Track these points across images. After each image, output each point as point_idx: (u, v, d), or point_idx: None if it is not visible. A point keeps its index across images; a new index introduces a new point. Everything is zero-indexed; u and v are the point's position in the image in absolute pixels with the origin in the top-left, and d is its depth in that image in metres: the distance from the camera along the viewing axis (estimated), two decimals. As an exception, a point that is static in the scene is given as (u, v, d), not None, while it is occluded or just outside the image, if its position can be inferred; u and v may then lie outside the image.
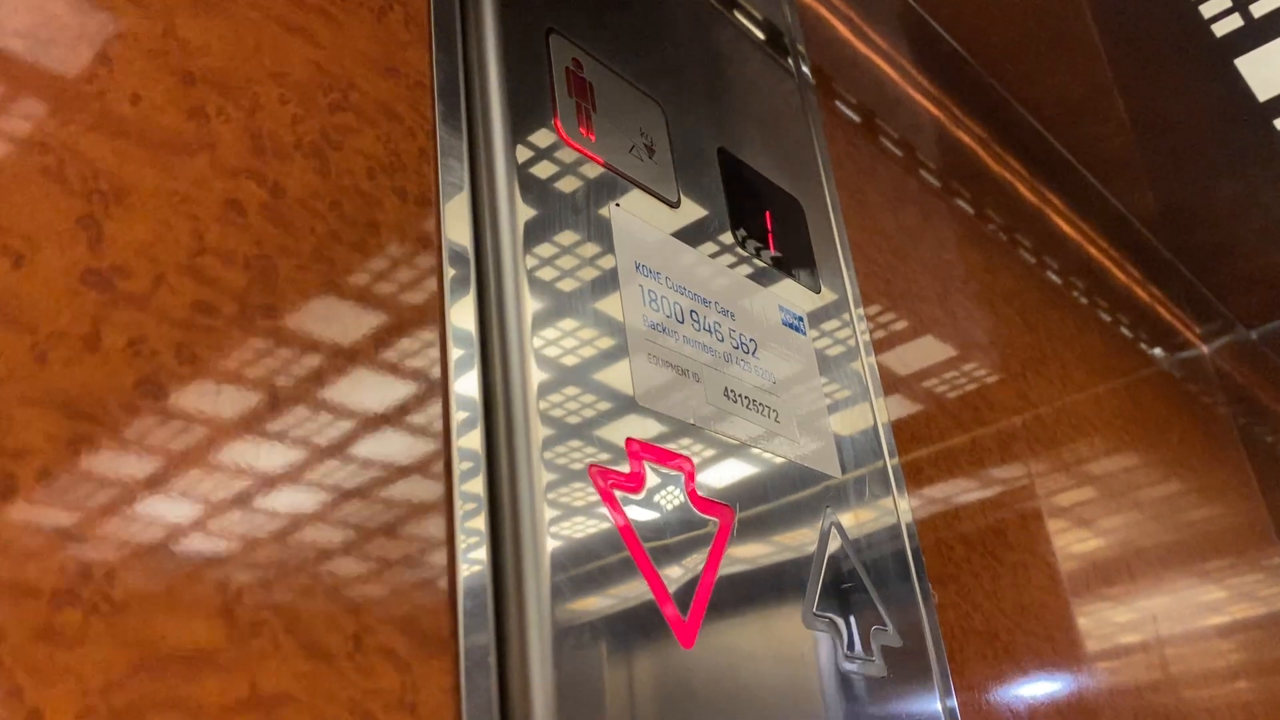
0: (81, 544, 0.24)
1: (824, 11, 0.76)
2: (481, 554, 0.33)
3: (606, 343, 0.40)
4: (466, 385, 0.36)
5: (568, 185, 0.42)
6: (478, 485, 0.34)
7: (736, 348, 0.47)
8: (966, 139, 0.92)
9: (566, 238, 0.41)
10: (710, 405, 0.43)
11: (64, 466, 0.25)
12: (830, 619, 0.44)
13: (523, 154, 0.41)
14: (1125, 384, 1.05)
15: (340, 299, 0.33)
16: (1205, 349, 1.38)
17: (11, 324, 0.25)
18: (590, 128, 0.45)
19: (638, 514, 0.38)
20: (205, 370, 0.28)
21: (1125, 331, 1.13)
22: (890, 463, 0.54)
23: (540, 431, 0.36)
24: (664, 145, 0.49)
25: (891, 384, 0.62)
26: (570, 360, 0.39)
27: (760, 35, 0.64)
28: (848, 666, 0.43)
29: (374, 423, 0.32)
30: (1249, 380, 1.50)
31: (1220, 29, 0.81)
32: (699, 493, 0.41)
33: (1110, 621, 0.77)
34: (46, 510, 0.24)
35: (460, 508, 0.33)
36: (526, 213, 0.40)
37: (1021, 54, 0.87)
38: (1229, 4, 0.78)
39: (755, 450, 0.45)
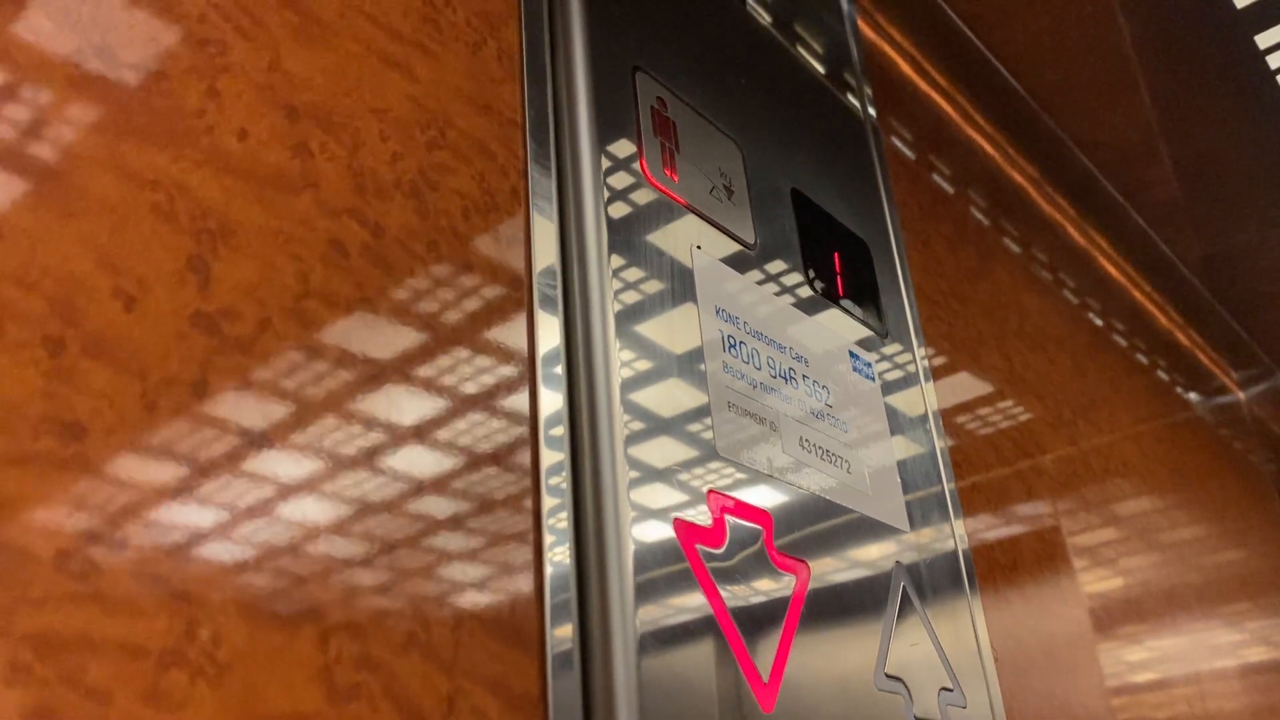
0: (188, 602, 0.23)
1: (887, 49, 0.75)
2: (570, 609, 0.32)
3: (689, 388, 0.39)
4: (554, 429, 0.35)
5: (652, 226, 0.42)
6: (565, 549, 0.34)
7: (811, 395, 0.46)
8: (1019, 178, 0.91)
9: (650, 282, 0.40)
10: (787, 456, 0.42)
11: (172, 520, 0.24)
12: (900, 681, 0.43)
13: (609, 194, 0.40)
14: (1164, 426, 1.04)
15: (435, 343, 0.32)
16: (1242, 395, 1.36)
17: (123, 369, 0.24)
18: (673, 168, 0.44)
19: (719, 571, 0.37)
20: (309, 415, 0.28)
21: (1163, 374, 1.12)
22: (953, 514, 0.53)
23: (627, 474, 0.35)
24: (741, 186, 0.48)
25: (952, 430, 0.61)
26: (654, 404, 0.38)
27: (826, 72, 0.63)
28: (919, 730, 0.42)
29: (465, 469, 0.31)
30: (1285, 428, 1.49)
31: (1286, 79, 0.80)
32: (777, 547, 0.40)
33: (1156, 664, 0.75)
34: (155, 566, 0.23)
35: (549, 562, 0.32)
36: (613, 256, 0.39)
37: (1080, 95, 0.86)
38: (1297, 54, 0.77)
39: (828, 501, 0.44)
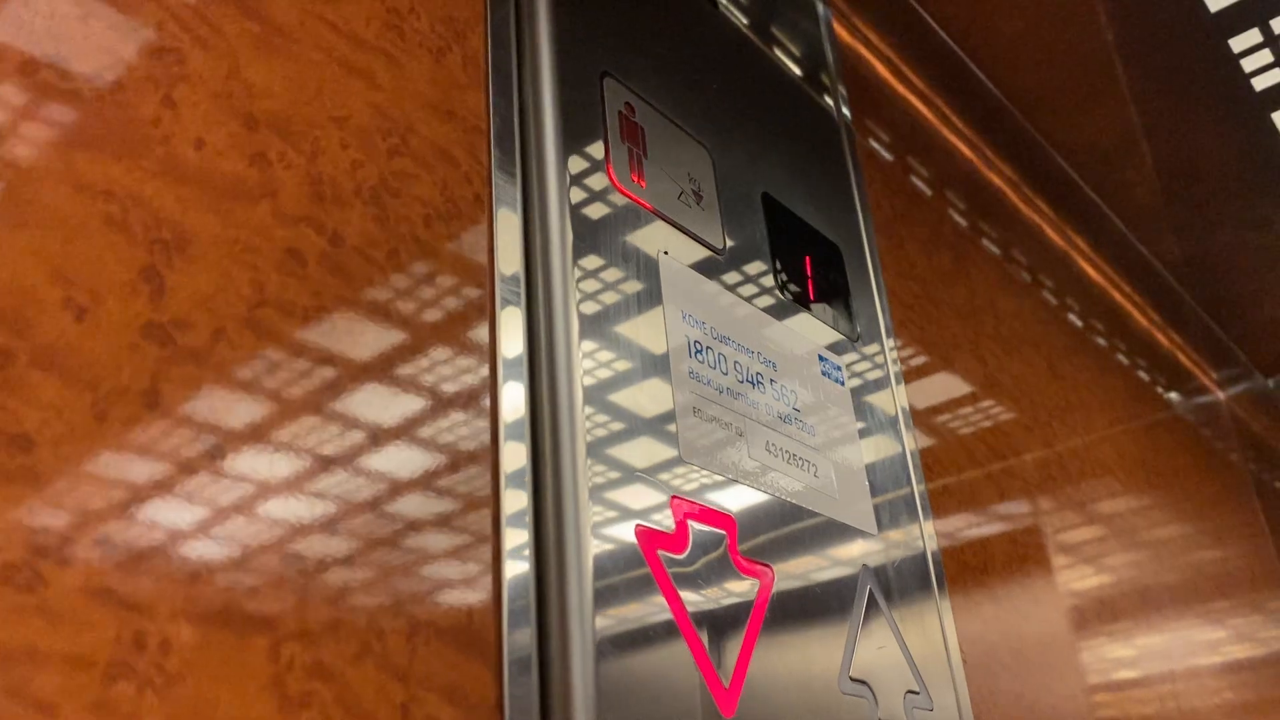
0: (137, 612, 0.24)
1: (864, 51, 0.75)
2: (529, 615, 0.32)
3: (655, 393, 0.40)
4: (515, 447, 0.35)
5: (618, 232, 0.42)
6: (525, 554, 0.34)
7: (779, 399, 0.46)
8: (998, 181, 0.91)
9: (617, 287, 0.41)
10: (753, 460, 0.43)
11: (123, 532, 0.24)
12: (865, 684, 0.43)
13: (576, 200, 0.40)
14: (1142, 427, 1.04)
15: (397, 352, 0.32)
16: (1222, 395, 1.37)
17: (73, 381, 0.24)
18: (641, 174, 0.44)
19: (681, 576, 0.37)
20: (263, 425, 0.28)
21: (1143, 375, 1.13)
22: (922, 516, 0.54)
23: (589, 479, 0.35)
24: (711, 191, 0.48)
25: (923, 433, 0.61)
26: (619, 409, 0.38)
27: (801, 74, 0.63)
28: (883, 733, 0.42)
29: (426, 476, 0.31)
30: (1264, 428, 1.50)
31: (1260, 83, 0.80)
32: (740, 552, 0.40)
33: (1132, 664, 0.76)
34: (103, 578, 0.23)
35: (508, 567, 0.32)
36: (579, 262, 0.39)
37: (1058, 98, 0.87)
38: (1271, 59, 0.77)
39: (794, 505, 0.44)
